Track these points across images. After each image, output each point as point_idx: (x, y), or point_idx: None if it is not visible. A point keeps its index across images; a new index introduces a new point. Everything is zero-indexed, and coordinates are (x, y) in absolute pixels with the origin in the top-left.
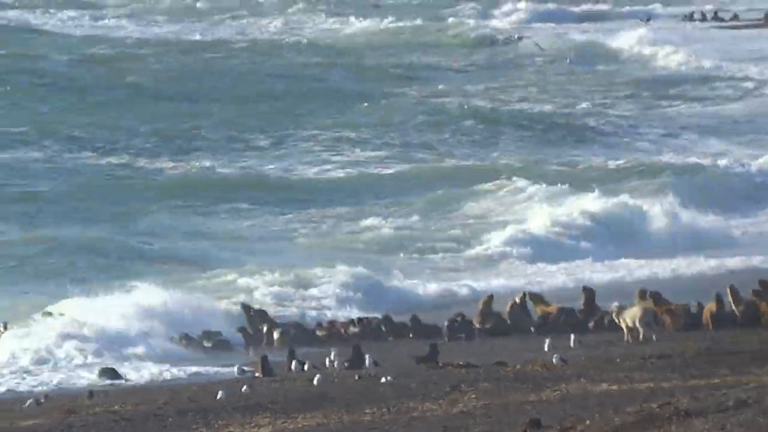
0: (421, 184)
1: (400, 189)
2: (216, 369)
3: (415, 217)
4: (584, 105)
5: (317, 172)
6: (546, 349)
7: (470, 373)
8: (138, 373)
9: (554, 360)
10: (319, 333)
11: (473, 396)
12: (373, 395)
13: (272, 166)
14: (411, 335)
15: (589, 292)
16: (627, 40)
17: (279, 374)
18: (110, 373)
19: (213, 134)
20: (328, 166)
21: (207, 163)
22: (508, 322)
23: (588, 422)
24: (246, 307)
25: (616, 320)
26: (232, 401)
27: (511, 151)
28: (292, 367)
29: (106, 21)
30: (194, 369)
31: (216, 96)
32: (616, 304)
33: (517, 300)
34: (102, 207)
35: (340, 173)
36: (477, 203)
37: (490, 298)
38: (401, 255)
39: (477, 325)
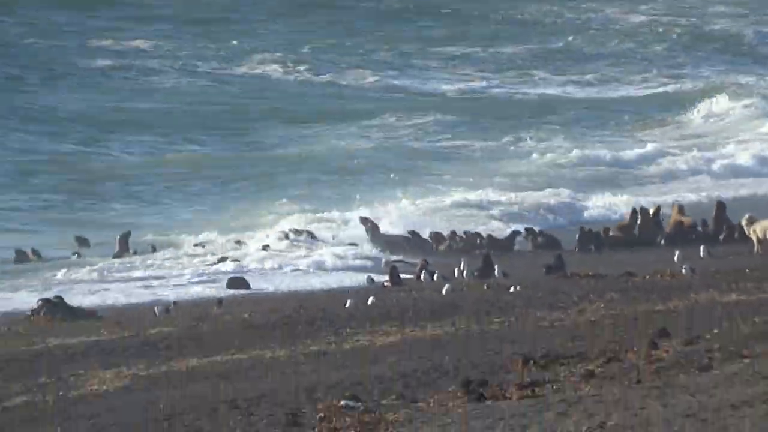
0: None
1: None
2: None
3: None
4: None
5: None
6: (675, 260)
7: (598, 283)
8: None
9: (683, 270)
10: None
11: (601, 306)
12: (501, 304)
13: None
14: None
15: (720, 205)
16: None
17: (408, 284)
18: (240, 282)
19: None
20: None
21: None
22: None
23: (716, 332)
24: None
25: (747, 232)
26: (362, 310)
27: None
28: (422, 277)
29: None
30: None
31: None
32: (747, 215)
33: (651, 212)
34: None
35: None
36: None
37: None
38: None
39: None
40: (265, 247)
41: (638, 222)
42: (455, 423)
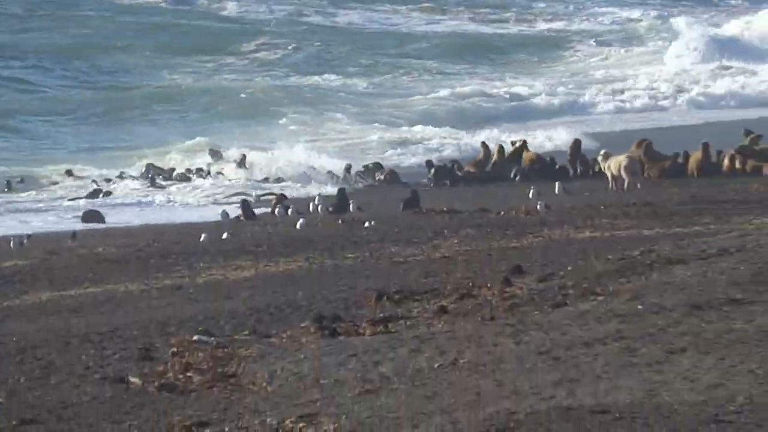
0: None
1: None
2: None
3: None
4: None
5: None
6: (530, 196)
7: (453, 219)
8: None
9: (538, 207)
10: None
11: (455, 242)
12: (355, 240)
13: None
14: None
15: (576, 141)
16: None
17: (263, 218)
18: (95, 215)
19: None
20: None
21: None
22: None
23: (570, 269)
24: None
25: (602, 168)
26: (216, 244)
27: None
28: (276, 211)
29: None
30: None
31: None
32: (603, 151)
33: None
34: None
35: None
36: None
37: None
38: None
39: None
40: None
41: (491, 157)
42: (308, 359)
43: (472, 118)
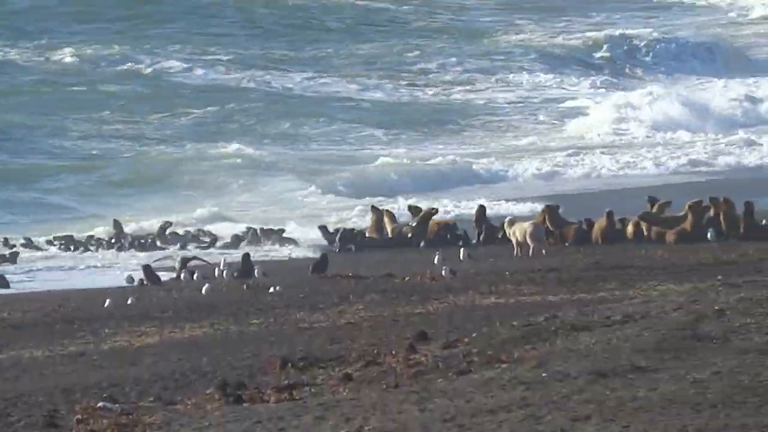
0: None
1: None
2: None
3: None
4: None
5: None
6: (435, 262)
7: (359, 284)
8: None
9: (443, 272)
10: None
11: (361, 307)
12: (260, 305)
13: None
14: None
15: (480, 207)
16: None
17: (168, 283)
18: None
19: None
20: None
21: None
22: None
23: (474, 335)
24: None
25: (507, 234)
26: (121, 310)
27: None
28: (182, 276)
29: None
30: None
31: None
32: (508, 218)
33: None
34: None
35: None
36: None
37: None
38: None
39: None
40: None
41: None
42: (213, 426)
43: (392, 185)
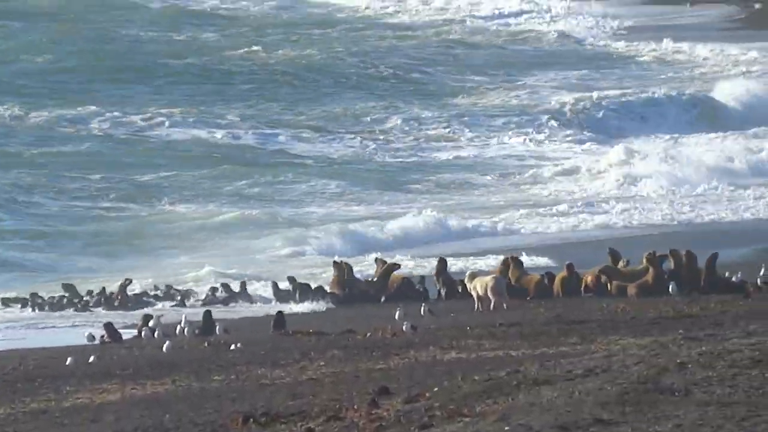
0: None
1: None
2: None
3: None
4: None
5: None
6: (396, 317)
7: (320, 340)
8: None
9: (404, 328)
10: None
11: (322, 363)
12: (221, 362)
13: None
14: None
15: (441, 261)
16: None
17: (129, 341)
18: None
19: None
20: None
21: None
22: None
23: (436, 389)
24: None
25: (468, 288)
26: (82, 367)
27: None
28: (143, 333)
29: None
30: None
31: None
32: (469, 272)
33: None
34: None
35: None
36: None
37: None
38: None
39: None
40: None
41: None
42: None
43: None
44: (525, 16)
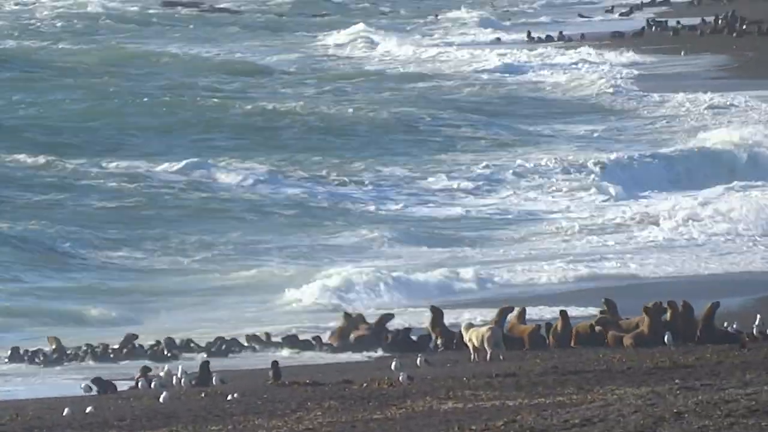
0: None
1: None
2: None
3: None
4: None
5: None
6: (392, 367)
7: (317, 391)
8: None
9: (400, 378)
10: None
11: (319, 413)
12: (219, 412)
13: None
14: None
15: (436, 310)
16: None
17: (126, 392)
18: None
19: None
20: None
21: None
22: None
23: None
24: None
25: (464, 339)
26: (79, 419)
27: None
28: (140, 384)
29: None
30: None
31: None
32: (465, 323)
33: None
34: None
35: None
36: None
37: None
38: None
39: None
40: None
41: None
42: None
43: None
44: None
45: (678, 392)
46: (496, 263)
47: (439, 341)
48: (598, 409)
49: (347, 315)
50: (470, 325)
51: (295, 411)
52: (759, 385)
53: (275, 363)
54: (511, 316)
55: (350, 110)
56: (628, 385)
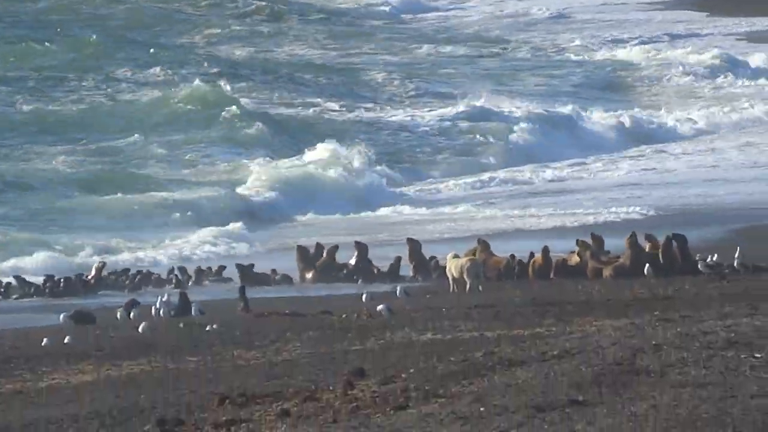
0: None
1: None
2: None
3: None
4: None
5: None
6: (363, 299)
7: (296, 321)
8: None
9: (379, 309)
10: None
11: (297, 344)
12: (197, 343)
13: None
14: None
15: (413, 242)
16: None
17: (104, 321)
18: None
19: None
20: None
21: None
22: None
23: (411, 371)
24: None
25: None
26: (58, 348)
27: None
28: (119, 315)
29: None
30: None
31: None
32: (452, 252)
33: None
34: None
35: None
36: None
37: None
38: None
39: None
40: None
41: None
42: None
43: None
44: None
45: (657, 324)
46: None
47: (416, 272)
48: (577, 340)
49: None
50: (456, 256)
51: (273, 342)
52: (738, 317)
53: (242, 289)
54: (479, 249)
55: None
56: (607, 317)
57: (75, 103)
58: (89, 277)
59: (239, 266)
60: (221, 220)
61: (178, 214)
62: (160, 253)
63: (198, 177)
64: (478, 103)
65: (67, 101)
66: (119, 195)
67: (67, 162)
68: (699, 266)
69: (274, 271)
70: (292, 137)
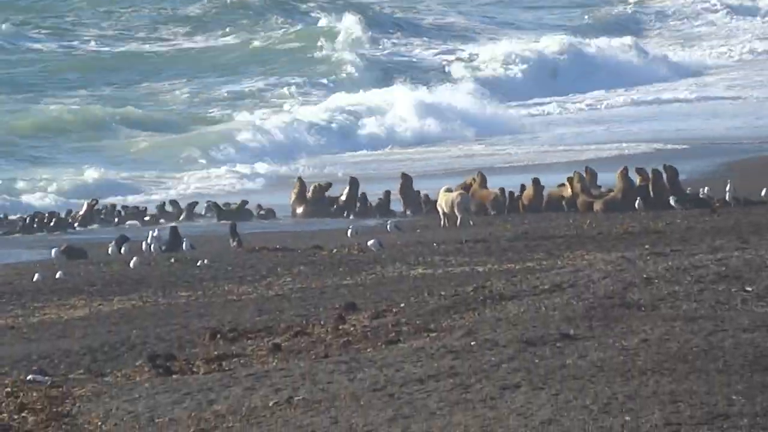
0: None
1: None
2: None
3: None
4: None
5: None
6: (348, 234)
7: (287, 256)
8: None
9: (370, 244)
10: None
11: (288, 279)
12: (188, 278)
13: None
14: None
15: (405, 176)
16: None
17: (96, 257)
18: None
19: None
20: None
21: None
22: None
23: (403, 305)
24: None
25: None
26: (49, 284)
27: None
28: (110, 250)
29: None
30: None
31: None
32: (445, 186)
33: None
34: None
35: None
36: None
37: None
38: None
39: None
40: None
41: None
42: (143, 397)
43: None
44: None
45: (648, 258)
46: None
47: (407, 208)
48: (568, 274)
49: (300, 180)
50: (448, 190)
51: (265, 276)
52: (729, 251)
53: (233, 225)
54: (473, 182)
55: None
56: (598, 250)
57: None
58: (78, 214)
59: (215, 205)
60: None
61: None
62: None
63: None
64: None
65: None
66: None
67: None
68: (671, 201)
69: (259, 206)
70: None
